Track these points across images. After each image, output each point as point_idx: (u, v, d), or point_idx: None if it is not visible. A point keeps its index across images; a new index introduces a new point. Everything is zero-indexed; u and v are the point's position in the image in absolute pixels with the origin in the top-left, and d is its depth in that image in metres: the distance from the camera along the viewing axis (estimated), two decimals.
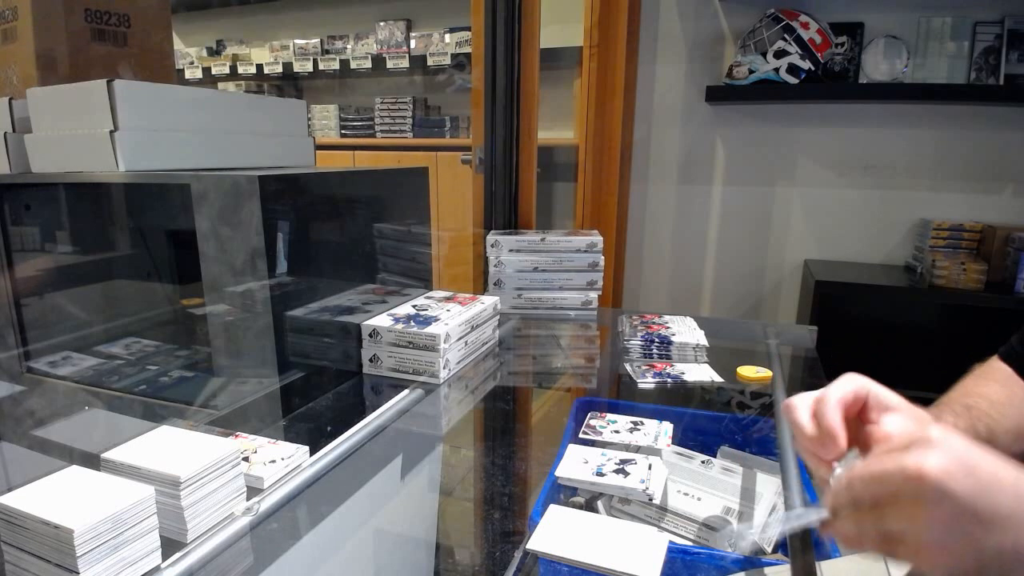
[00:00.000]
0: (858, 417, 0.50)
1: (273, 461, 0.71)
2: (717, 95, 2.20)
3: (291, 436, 0.83)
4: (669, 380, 1.10)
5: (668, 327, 1.27)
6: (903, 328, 2.10)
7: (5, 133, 1.00)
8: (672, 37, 2.32)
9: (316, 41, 3.35)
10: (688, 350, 1.19)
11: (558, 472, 0.74)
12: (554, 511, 0.66)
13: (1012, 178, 2.06)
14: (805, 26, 1.96)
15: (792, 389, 1.03)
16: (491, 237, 1.49)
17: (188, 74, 3.58)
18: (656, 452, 0.80)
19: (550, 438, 0.88)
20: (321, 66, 3.29)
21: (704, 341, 1.19)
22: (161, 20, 1.20)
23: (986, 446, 0.47)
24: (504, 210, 1.70)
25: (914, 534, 0.39)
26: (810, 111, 2.21)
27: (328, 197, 1.02)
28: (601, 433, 0.84)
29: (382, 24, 3.17)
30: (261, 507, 0.65)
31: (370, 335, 1.06)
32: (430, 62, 3.04)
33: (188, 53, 3.67)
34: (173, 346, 1.10)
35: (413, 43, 3.13)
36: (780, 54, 1.99)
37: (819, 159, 2.24)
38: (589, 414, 0.90)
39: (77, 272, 1.15)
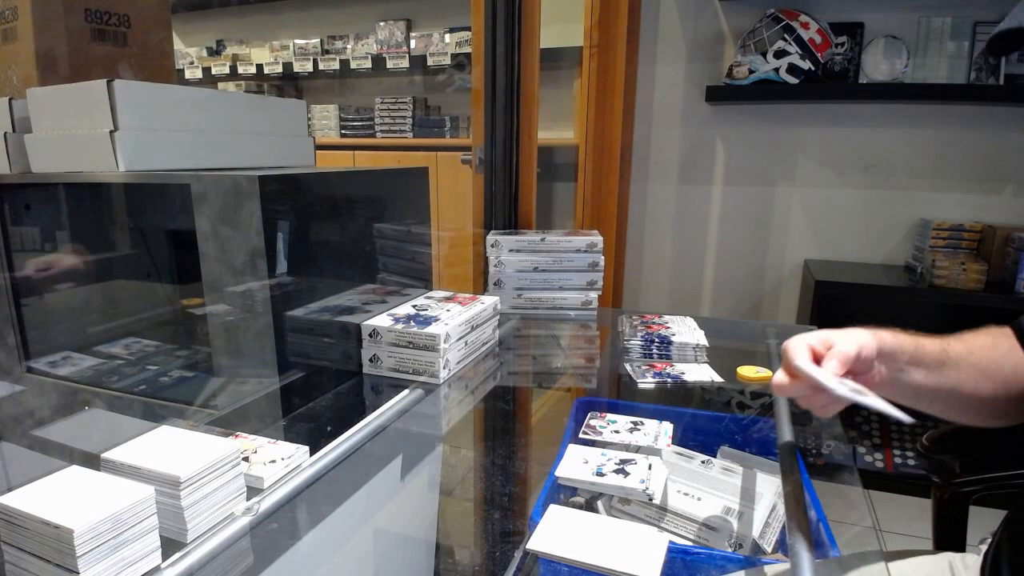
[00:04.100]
0: None
1: (273, 461, 0.71)
2: (717, 95, 2.20)
3: (291, 436, 0.82)
4: (669, 380, 1.10)
5: (668, 327, 1.27)
6: (903, 328, 2.10)
7: (5, 133, 1.00)
8: (672, 37, 2.32)
9: (316, 41, 3.35)
10: (688, 350, 1.19)
11: (558, 472, 0.74)
12: (554, 511, 0.66)
13: (1012, 178, 2.06)
14: (805, 26, 1.96)
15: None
16: (491, 237, 1.49)
17: (188, 74, 3.57)
18: (656, 452, 0.80)
19: (550, 438, 0.88)
20: (321, 66, 3.29)
21: (704, 341, 1.19)
22: (161, 20, 1.20)
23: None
24: (504, 210, 1.70)
25: None
26: (810, 111, 2.21)
27: (328, 197, 1.02)
28: (601, 433, 0.84)
29: (382, 24, 3.17)
30: (261, 507, 0.65)
31: (370, 335, 1.06)
32: (430, 62, 3.04)
33: (188, 53, 3.67)
34: (173, 346, 1.10)
35: (413, 43, 3.13)
36: (780, 54, 1.99)
37: (819, 159, 2.24)
38: (589, 414, 0.90)
39: (77, 272, 1.15)
